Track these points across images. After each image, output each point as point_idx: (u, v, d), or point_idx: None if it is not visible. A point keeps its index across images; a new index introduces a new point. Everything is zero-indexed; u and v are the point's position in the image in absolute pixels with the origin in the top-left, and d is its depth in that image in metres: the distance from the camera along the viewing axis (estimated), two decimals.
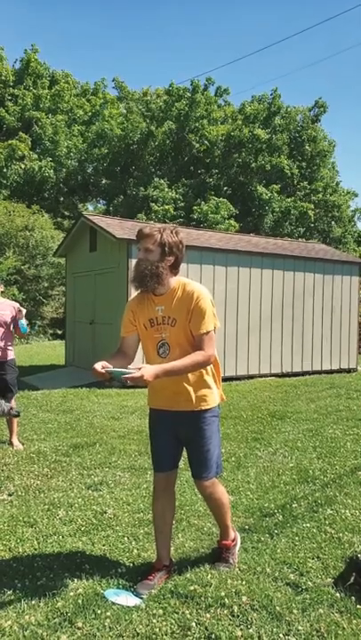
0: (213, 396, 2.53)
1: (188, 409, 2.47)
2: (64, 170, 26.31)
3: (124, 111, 28.13)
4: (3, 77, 27.35)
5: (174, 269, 2.46)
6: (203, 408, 2.48)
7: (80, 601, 2.30)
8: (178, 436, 2.57)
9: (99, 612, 2.22)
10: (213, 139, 26.55)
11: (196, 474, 2.56)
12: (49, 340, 20.17)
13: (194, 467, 2.56)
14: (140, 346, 2.60)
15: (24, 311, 4.96)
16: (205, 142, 26.44)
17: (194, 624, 2.13)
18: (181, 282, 2.46)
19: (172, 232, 2.44)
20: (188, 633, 2.09)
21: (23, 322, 4.92)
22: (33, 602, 2.31)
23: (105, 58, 56.08)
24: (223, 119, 28.00)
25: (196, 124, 26.70)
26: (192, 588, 2.39)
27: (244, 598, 2.30)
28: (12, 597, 2.36)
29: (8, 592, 2.40)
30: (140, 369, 2.19)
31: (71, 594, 2.36)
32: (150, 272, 2.38)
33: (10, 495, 3.66)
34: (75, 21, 54.15)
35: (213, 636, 2.06)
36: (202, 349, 2.37)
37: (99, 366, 2.25)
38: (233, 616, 2.19)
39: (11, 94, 27.26)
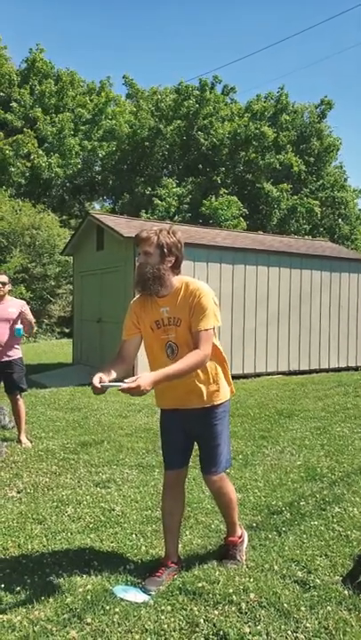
0: (224, 391, 2.54)
1: (200, 406, 2.48)
2: (70, 167, 26.36)
3: (133, 109, 28.11)
4: (7, 77, 27.44)
5: (176, 269, 2.45)
6: (215, 403, 2.50)
7: (89, 597, 2.32)
8: (189, 432, 2.58)
9: (107, 608, 2.23)
10: (221, 136, 26.51)
11: (205, 469, 2.58)
12: (56, 338, 20.24)
13: (203, 462, 2.58)
14: (143, 348, 2.58)
15: (27, 311, 4.96)
16: (214, 140, 26.40)
17: (202, 620, 2.14)
18: (184, 280, 2.45)
19: (168, 232, 2.43)
20: (197, 629, 2.10)
21: (20, 327, 4.87)
22: (42, 597, 2.33)
23: (105, 58, 56.12)
24: (230, 117, 27.95)
25: (205, 122, 26.67)
26: (200, 584, 2.40)
27: (252, 595, 2.31)
28: (22, 593, 2.38)
29: (17, 588, 2.42)
30: (136, 379, 2.14)
31: (80, 590, 2.38)
32: (152, 275, 2.38)
33: (19, 492, 3.69)
34: (74, 21, 54.22)
35: (221, 632, 2.07)
36: (198, 347, 2.34)
37: (96, 381, 2.23)
38: (241, 613, 2.20)
39: (16, 94, 27.35)
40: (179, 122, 26.87)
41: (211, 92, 27.77)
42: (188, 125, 26.95)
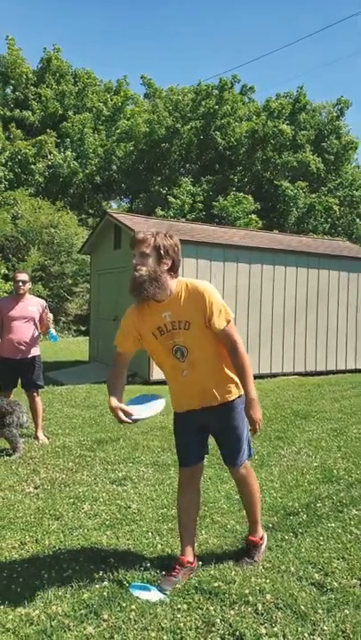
0: (237, 385, 2.52)
1: (215, 403, 2.49)
2: (89, 166, 26.56)
3: (150, 108, 28.19)
4: (24, 77, 27.68)
5: (173, 272, 2.42)
6: (229, 400, 2.49)
7: (105, 593, 2.33)
8: (206, 428, 2.58)
9: (124, 604, 2.24)
10: (238, 135, 26.43)
11: (229, 462, 2.59)
12: (73, 336, 20.40)
13: (227, 455, 2.59)
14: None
15: (51, 317, 5.03)
16: (231, 139, 26.35)
17: (218, 620, 2.14)
18: (182, 282, 2.43)
19: (165, 235, 2.41)
20: (213, 629, 2.10)
21: (52, 331, 5.02)
22: (60, 592, 2.35)
23: (118, 58, 56.47)
24: (248, 116, 27.85)
25: (222, 122, 26.61)
26: (216, 584, 2.40)
27: (268, 596, 2.30)
28: (40, 588, 2.41)
29: (35, 582, 2.45)
30: (251, 420, 2.42)
31: (97, 586, 2.39)
32: (149, 277, 2.34)
33: (36, 488, 3.72)
34: (76, 20, 54.61)
35: (238, 633, 2.07)
36: (231, 340, 2.40)
37: (122, 416, 2.34)
38: (257, 614, 2.19)
39: (34, 93, 27.60)
40: (196, 122, 26.86)
41: (229, 92, 27.71)
42: (206, 125, 26.92)
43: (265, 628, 2.09)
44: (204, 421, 2.56)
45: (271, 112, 27.12)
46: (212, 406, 2.49)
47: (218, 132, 26.61)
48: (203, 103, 27.12)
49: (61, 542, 2.89)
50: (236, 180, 26.97)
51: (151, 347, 2.50)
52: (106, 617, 2.16)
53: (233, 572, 2.51)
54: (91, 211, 28.25)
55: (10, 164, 23.95)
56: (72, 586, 2.41)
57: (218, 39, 58.89)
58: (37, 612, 2.20)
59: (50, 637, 2.04)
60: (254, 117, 27.74)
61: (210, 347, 2.43)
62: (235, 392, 2.51)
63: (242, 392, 2.54)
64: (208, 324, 2.39)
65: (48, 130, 25.66)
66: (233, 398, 2.51)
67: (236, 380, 2.52)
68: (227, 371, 2.49)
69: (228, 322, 2.40)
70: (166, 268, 2.38)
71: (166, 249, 2.37)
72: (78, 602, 2.28)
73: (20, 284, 4.94)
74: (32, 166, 24.40)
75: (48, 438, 5.09)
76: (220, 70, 59.73)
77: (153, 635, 2.05)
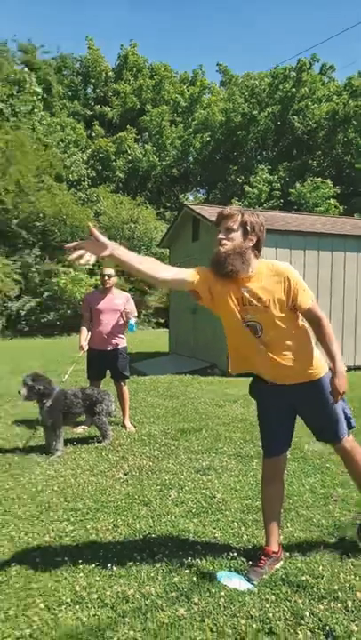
0: (320, 365, 2.47)
1: (291, 382, 2.47)
2: (167, 159, 26.95)
3: (226, 96, 27.98)
4: (104, 75, 28.56)
5: (257, 251, 2.42)
6: (314, 379, 2.46)
7: (194, 579, 2.42)
8: (292, 409, 2.56)
9: (213, 590, 2.32)
10: (317, 118, 25.47)
11: (330, 439, 2.57)
12: (153, 328, 20.93)
13: (326, 434, 2.56)
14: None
15: (134, 312, 5.19)
16: (310, 122, 25.47)
17: (307, 614, 2.15)
18: (264, 263, 2.42)
19: (252, 213, 2.42)
20: (302, 622, 2.11)
21: (132, 320, 5.20)
22: (152, 574, 2.48)
23: (184, 48, 56.25)
24: (328, 97, 26.71)
25: (300, 105, 25.78)
26: (303, 578, 2.40)
27: (358, 594, 2.27)
28: (133, 568, 2.55)
29: (129, 563, 2.60)
30: (338, 387, 2.34)
31: (186, 571, 2.49)
32: (234, 252, 2.33)
33: (125, 474, 3.92)
34: (148, 14, 54.85)
35: (328, 627, 2.07)
36: (316, 316, 2.39)
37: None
38: (347, 611, 2.17)
39: (113, 90, 28.40)
40: (273, 107, 26.23)
41: (308, 73, 26.74)
42: (283, 109, 26.20)
43: (356, 625, 2.07)
44: (289, 400, 2.52)
45: (353, 91, 25.81)
46: (296, 385, 2.46)
47: (295, 117, 25.84)
48: (280, 87, 26.43)
49: (151, 527, 3.03)
50: (314, 164, 26.06)
51: (223, 310, 2.43)
52: (196, 601, 2.25)
53: (320, 567, 2.50)
54: (168, 204, 28.68)
55: (92, 161, 24.92)
56: (163, 569, 2.53)
57: (294, 21, 57.00)
58: (132, 590, 2.34)
59: (145, 615, 2.17)
60: (335, 97, 26.55)
61: (288, 327, 2.40)
62: (320, 370, 2.47)
63: (327, 369, 2.48)
64: (292, 305, 2.37)
65: (128, 126, 26.37)
66: (319, 376, 2.46)
67: (319, 358, 2.48)
68: (306, 351, 2.45)
69: (313, 300, 2.40)
70: (251, 244, 2.39)
71: (253, 225, 2.38)
72: (169, 584, 2.39)
73: (107, 277, 5.18)
74: (113, 163, 25.23)
75: (135, 426, 5.31)
76: (299, 50, 57.64)
77: (243, 622, 2.11)
